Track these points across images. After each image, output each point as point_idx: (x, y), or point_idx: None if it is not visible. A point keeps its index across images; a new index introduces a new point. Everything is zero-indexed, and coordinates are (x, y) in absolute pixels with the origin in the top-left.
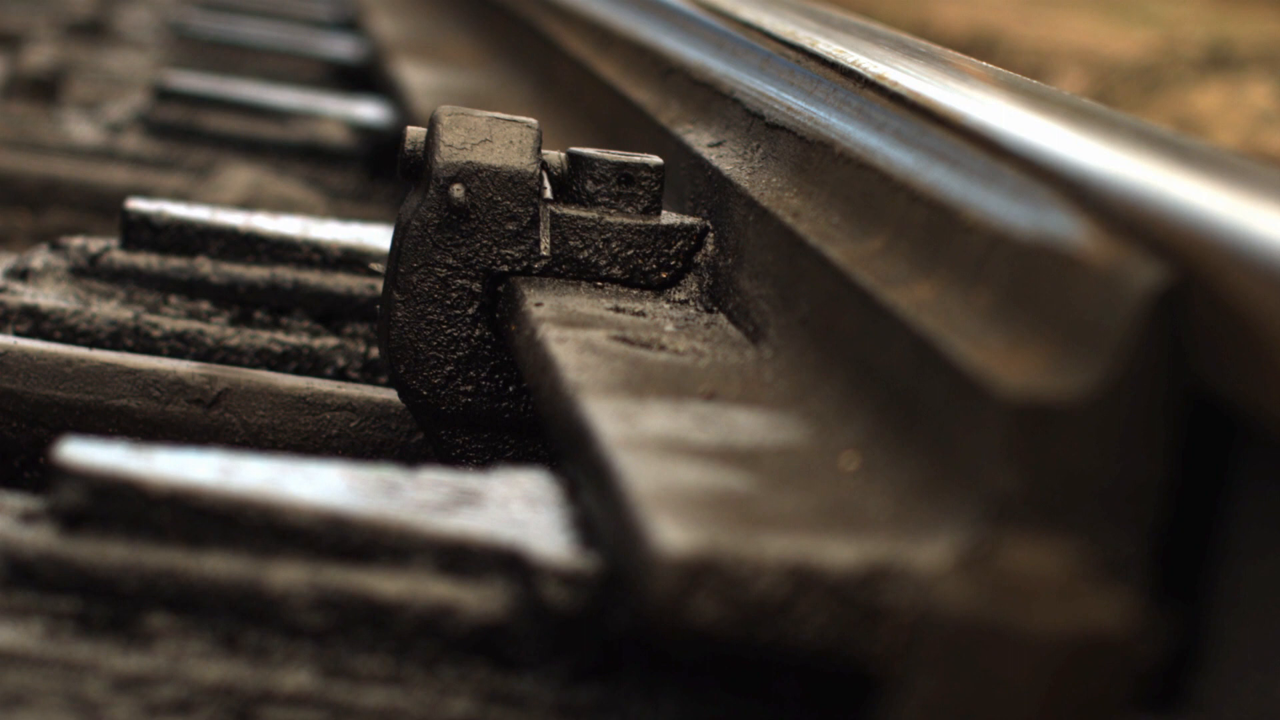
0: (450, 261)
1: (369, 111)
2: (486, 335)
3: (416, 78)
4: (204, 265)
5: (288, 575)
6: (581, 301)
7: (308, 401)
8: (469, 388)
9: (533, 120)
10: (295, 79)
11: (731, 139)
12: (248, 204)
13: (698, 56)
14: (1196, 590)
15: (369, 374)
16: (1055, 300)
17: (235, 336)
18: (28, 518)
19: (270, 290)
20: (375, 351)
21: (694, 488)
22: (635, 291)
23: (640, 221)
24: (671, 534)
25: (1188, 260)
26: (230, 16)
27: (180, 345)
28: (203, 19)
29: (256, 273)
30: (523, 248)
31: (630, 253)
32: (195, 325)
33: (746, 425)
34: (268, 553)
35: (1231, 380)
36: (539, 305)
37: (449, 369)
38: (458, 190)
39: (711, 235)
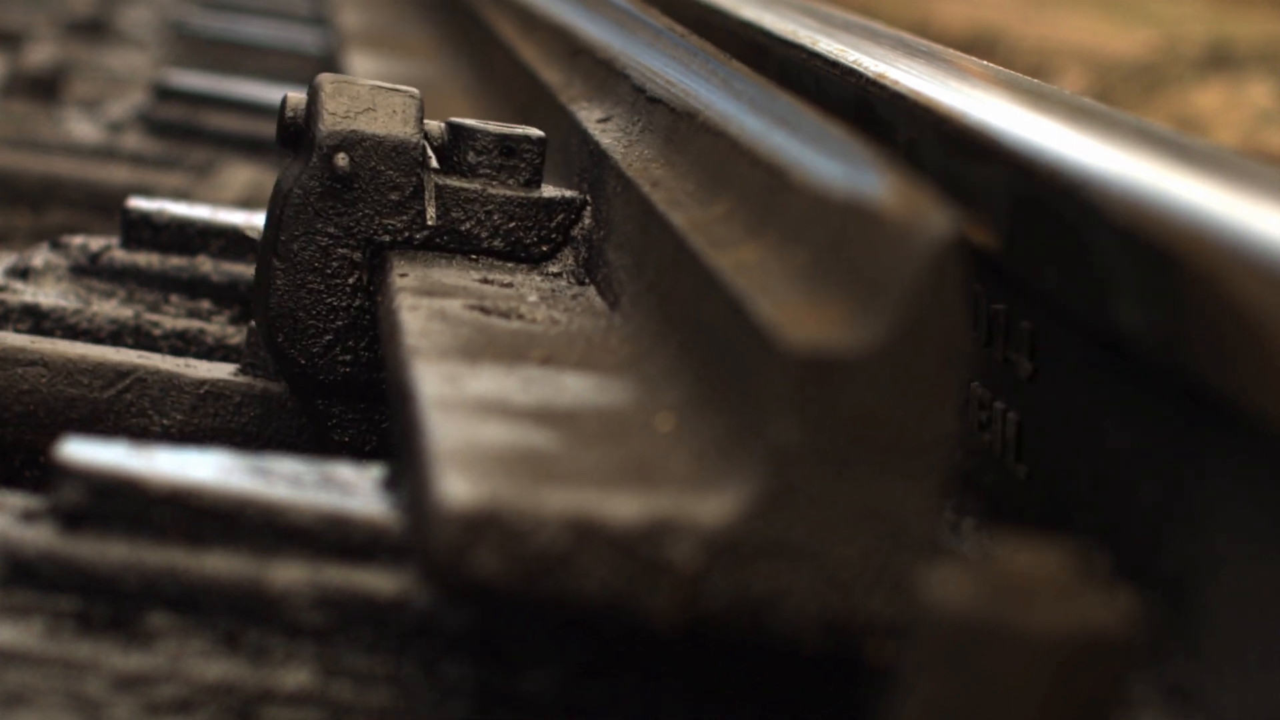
0: (332, 230)
1: None
2: (366, 305)
3: (362, 66)
4: (205, 264)
5: (288, 574)
6: (451, 273)
7: None
8: (347, 358)
9: (414, 90)
10: (296, 77)
11: (619, 114)
12: (248, 203)
13: (601, 36)
14: (1196, 588)
15: None
16: (859, 257)
17: (236, 335)
18: (28, 516)
19: None
20: None
21: (495, 445)
22: (511, 265)
23: (523, 194)
24: (455, 487)
25: (1187, 257)
26: (231, 15)
27: (181, 344)
28: (203, 17)
29: None
30: (405, 218)
31: (512, 225)
32: (196, 324)
33: (573, 388)
34: (268, 552)
35: (1232, 378)
36: (403, 276)
37: (328, 338)
38: (342, 159)
39: (589, 208)
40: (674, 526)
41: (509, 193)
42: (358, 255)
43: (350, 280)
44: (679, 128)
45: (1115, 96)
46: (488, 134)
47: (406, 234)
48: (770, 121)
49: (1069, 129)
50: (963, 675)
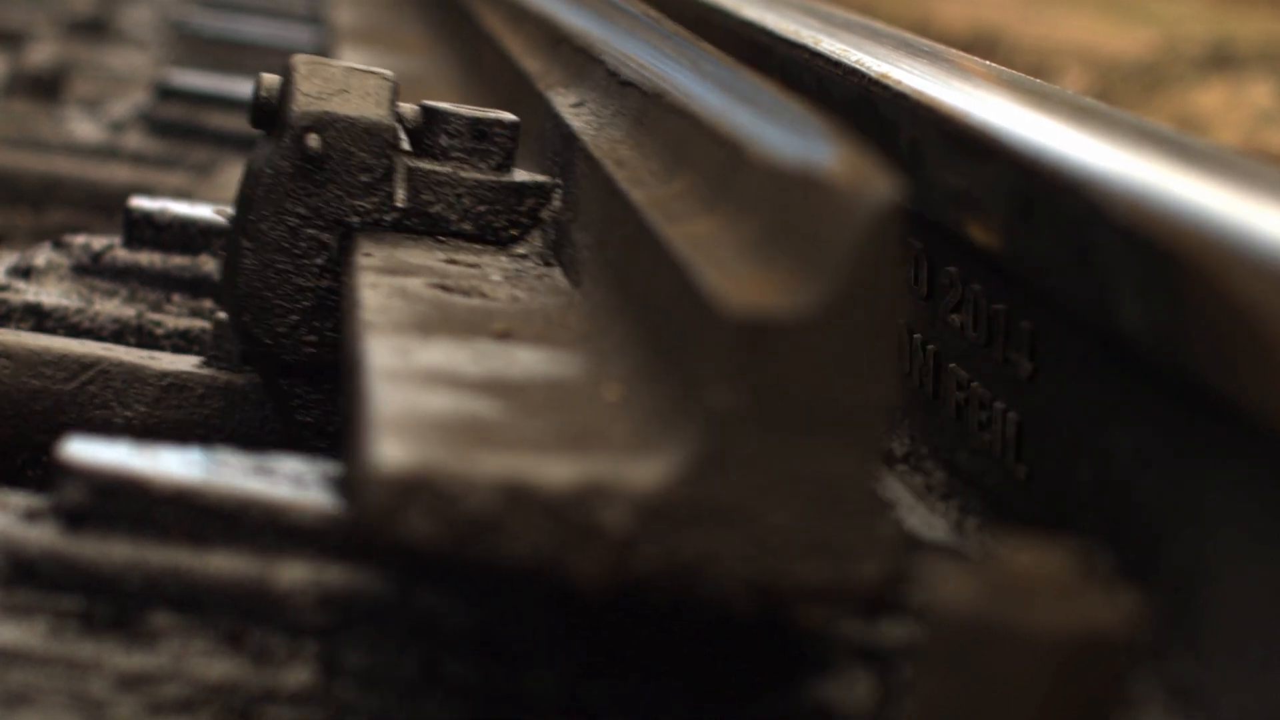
0: (301, 211)
1: None
2: (334, 286)
3: (349, 58)
4: (207, 263)
5: (292, 574)
6: (417, 254)
7: None
8: (313, 338)
9: (389, 72)
10: None
11: (593, 99)
12: None
13: (581, 24)
14: (1197, 587)
15: None
16: (805, 225)
17: None
18: (31, 516)
19: None
20: None
21: (438, 413)
22: (479, 246)
23: (493, 178)
24: (389, 451)
25: (1188, 257)
26: (231, 14)
27: (183, 343)
28: (204, 17)
29: None
30: (375, 199)
31: (482, 209)
32: (198, 323)
33: (526, 361)
34: (272, 551)
35: (1232, 378)
36: (368, 256)
37: (294, 318)
38: (314, 139)
39: (559, 192)
40: (605, 491)
41: (480, 176)
42: (326, 236)
43: (318, 261)
44: (648, 110)
45: (1116, 96)
46: (460, 117)
47: (376, 215)
48: (732, 99)
49: (1070, 128)
50: (964, 674)
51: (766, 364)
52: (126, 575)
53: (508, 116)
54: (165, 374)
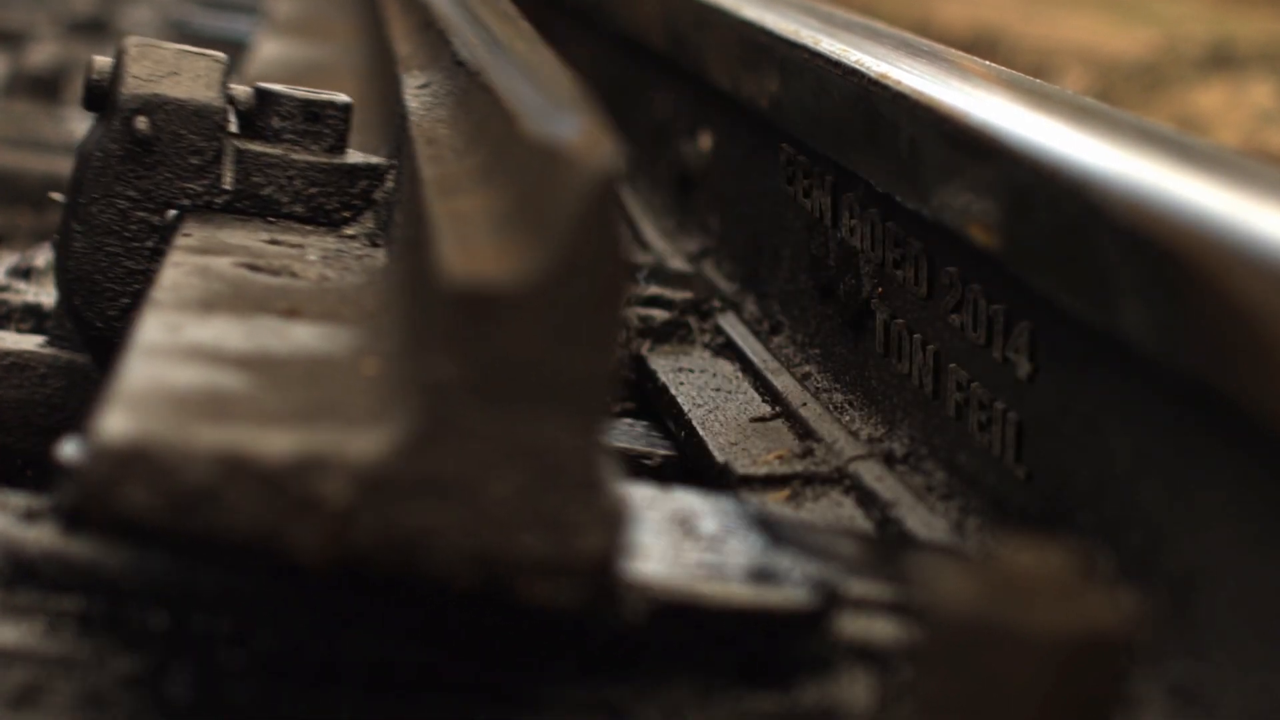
0: (131, 194)
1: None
2: None
3: (268, 49)
4: None
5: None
6: (239, 234)
7: None
8: None
9: (221, 54)
10: None
11: (438, 80)
12: None
13: (446, 9)
14: (1197, 587)
15: None
16: (542, 197)
17: None
18: (30, 516)
19: None
20: None
21: (180, 387)
22: (309, 227)
23: (325, 160)
24: (113, 423)
25: (1188, 257)
26: (231, 14)
27: None
28: (204, 17)
29: None
30: (205, 182)
31: (314, 190)
32: None
33: (299, 337)
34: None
35: (1232, 378)
36: (188, 236)
37: (125, 301)
38: (142, 122)
39: (393, 173)
40: (325, 462)
41: (311, 158)
42: (157, 219)
43: (149, 244)
44: (470, 88)
45: (1116, 96)
46: (293, 99)
47: (206, 198)
48: (522, 74)
49: (1070, 129)
50: (964, 674)
51: (487, 334)
52: (126, 575)
53: (340, 98)
54: (6, 353)
